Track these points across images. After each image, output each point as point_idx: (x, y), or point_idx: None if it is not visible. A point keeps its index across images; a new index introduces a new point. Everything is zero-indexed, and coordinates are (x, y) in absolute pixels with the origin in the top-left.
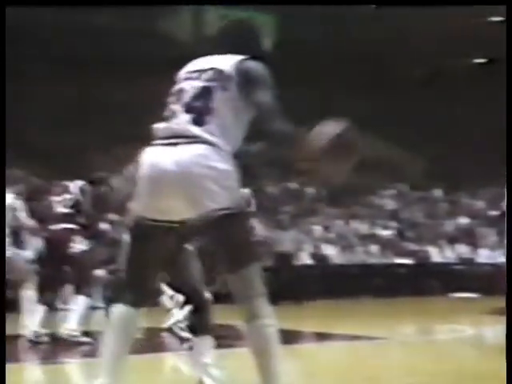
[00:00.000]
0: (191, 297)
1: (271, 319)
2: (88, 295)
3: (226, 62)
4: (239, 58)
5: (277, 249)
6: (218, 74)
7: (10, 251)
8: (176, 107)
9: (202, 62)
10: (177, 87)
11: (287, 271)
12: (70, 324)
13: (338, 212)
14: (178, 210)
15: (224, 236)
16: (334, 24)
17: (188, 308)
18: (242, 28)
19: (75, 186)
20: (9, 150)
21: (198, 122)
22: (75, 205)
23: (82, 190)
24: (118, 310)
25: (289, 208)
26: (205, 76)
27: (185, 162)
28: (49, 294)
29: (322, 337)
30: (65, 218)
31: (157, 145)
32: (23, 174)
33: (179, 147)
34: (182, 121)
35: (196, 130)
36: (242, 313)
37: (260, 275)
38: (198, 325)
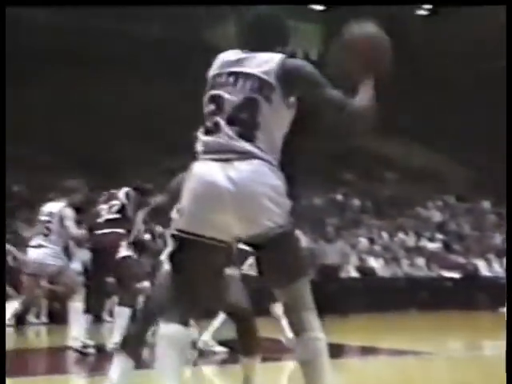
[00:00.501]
0: (234, 318)
1: (320, 333)
2: (132, 307)
3: (266, 68)
4: (275, 60)
5: (322, 261)
6: (261, 84)
7: (60, 261)
8: (218, 119)
9: (233, 59)
10: (213, 92)
11: (333, 284)
12: (116, 337)
13: (384, 224)
14: (230, 228)
15: (275, 253)
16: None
17: (217, 322)
18: (271, 21)
19: (122, 192)
20: (63, 160)
21: (246, 136)
22: (121, 210)
23: (127, 196)
24: (170, 329)
25: (334, 220)
26: (246, 85)
27: (240, 179)
28: (95, 305)
29: (367, 351)
30: (111, 223)
31: (207, 159)
32: (78, 184)
33: (233, 163)
34: (228, 135)
35: (246, 146)
36: (291, 327)
37: (308, 289)
38: (244, 345)
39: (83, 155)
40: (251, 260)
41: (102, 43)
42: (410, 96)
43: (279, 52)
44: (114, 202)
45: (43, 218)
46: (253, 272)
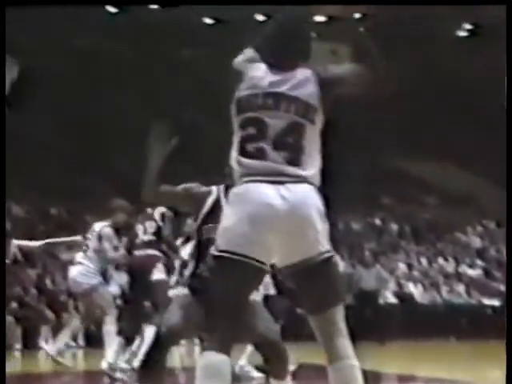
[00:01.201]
0: (260, 346)
1: (355, 360)
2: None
3: (308, 90)
4: (312, 79)
5: (360, 286)
6: (306, 108)
7: (92, 279)
8: (263, 144)
9: (267, 79)
10: (252, 115)
11: (370, 309)
12: (140, 355)
13: (423, 249)
14: (281, 251)
15: (316, 279)
16: (422, 49)
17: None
18: (294, 34)
19: (157, 212)
20: (101, 182)
21: (293, 162)
22: (157, 231)
23: (162, 217)
24: (211, 358)
25: (372, 244)
26: (290, 109)
27: (295, 200)
28: (130, 329)
29: (404, 379)
30: (147, 245)
31: (257, 181)
32: (121, 204)
33: (286, 185)
34: (275, 161)
35: (295, 171)
36: (325, 353)
37: (343, 315)
38: (274, 371)
39: (120, 175)
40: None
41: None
42: (450, 120)
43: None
44: (150, 224)
45: (87, 235)
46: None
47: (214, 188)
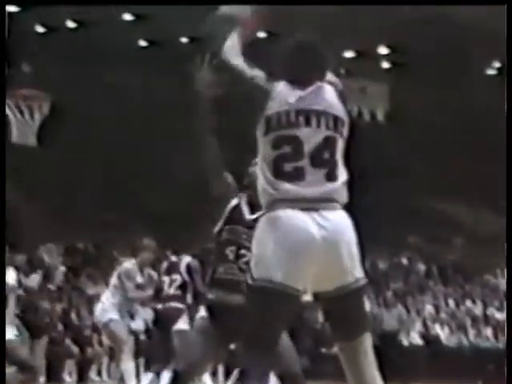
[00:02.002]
0: (282, 378)
1: None
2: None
3: (333, 103)
4: (333, 93)
5: (380, 327)
6: (335, 121)
7: (109, 314)
8: (301, 163)
9: (294, 96)
10: (285, 133)
11: (392, 350)
12: None
13: (450, 290)
14: (317, 280)
15: (347, 306)
16: (450, 87)
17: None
18: (309, 52)
19: (183, 265)
20: (133, 217)
21: (331, 177)
22: (183, 285)
23: (188, 270)
24: None
25: (399, 284)
26: (321, 124)
27: (331, 229)
28: (156, 364)
29: None
30: (172, 298)
31: (293, 208)
32: (148, 243)
33: (320, 212)
34: (315, 179)
35: (331, 191)
36: (354, 382)
37: (371, 344)
38: None
39: (149, 212)
40: None
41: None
42: (478, 160)
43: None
44: (176, 277)
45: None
46: None
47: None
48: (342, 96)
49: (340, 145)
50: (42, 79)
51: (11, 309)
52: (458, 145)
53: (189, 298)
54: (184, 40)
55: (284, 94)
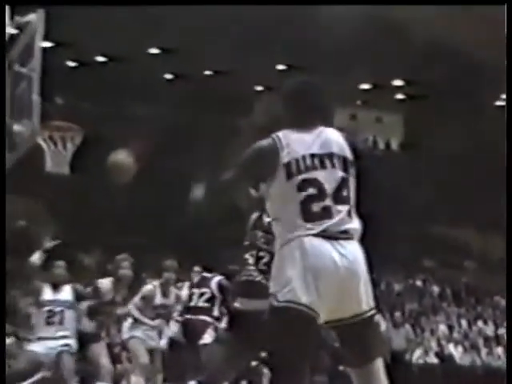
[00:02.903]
0: None
1: None
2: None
3: (343, 147)
4: (341, 138)
5: (390, 346)
6: (346, 163)
7: (129, 334)
8: (327, 202)
9: (307, 142)
10: (307, 177)
11: (400, 369)
12: None
13: (463, 311)
14: (336, 308)
15: (361, 333)
16: (461, 118)
17: None
18: (313, 89)
19: (214, 282)
20: (150, 240)
21: (350, 214)
22: (211, 299)
23: (219, 287)
24: None
25: (413, 305)
26: (335, 165)
27: (351, 258)
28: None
29: None
30: (200, 310)
31: (316, 235)
32: (171, 264)
33: (340, 242)
34: (340, 214)
35: (351, 226)
36: None
37: (383, 369)
38: None
39: (172, 235)
40: None
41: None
42: (488, 187)
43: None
44: (205, 290)
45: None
46: None
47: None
48: (348, 138)
49: (352, 185)
50: (74, 111)
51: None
52: (469, 173)
53: (215, 311)
54: (208, 73)
55: (293, 141)
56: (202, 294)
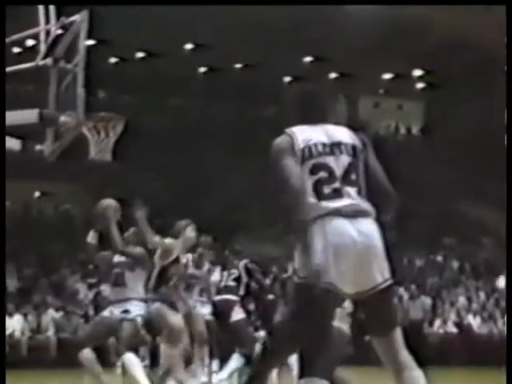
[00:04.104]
0: None
1: (418, 370)
2: (244, 355)
3: (351, 135)
4: (347, 130)
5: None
6: (354, 150)
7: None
8: (337, 184)
9: (318, 132)
10: (318, 161)
11: (416, 338)
12: (221, 374)
13: (481, 284)
14: (355, 281)
15: (381, 304)
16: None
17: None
18: (311, 101)
19: (242, 264)
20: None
21: (360, 194)
22: (238, 279)
23: (246, 269)
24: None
25: (435, 279)
26: (345, 150)
27: (368, 234)
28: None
29: None
30: (227, 289)
31: (336, 216)
32: (207, 239)
33: (358, 220)
34: (350, 194)
35: (366, 205)
36: (391, 368)
37: (401, 335)
38: None
39: (206, 218)
40: None
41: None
42: (503, 167)
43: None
44: (234, 271)
45: None
46: None
47: None
48: (355, 131)
49: (361, 168)
50: (115, 103)
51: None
52: (485, 155)
53: (241, 291)
54: (238, 65)
55: (305, 132)
56: (230, 275)
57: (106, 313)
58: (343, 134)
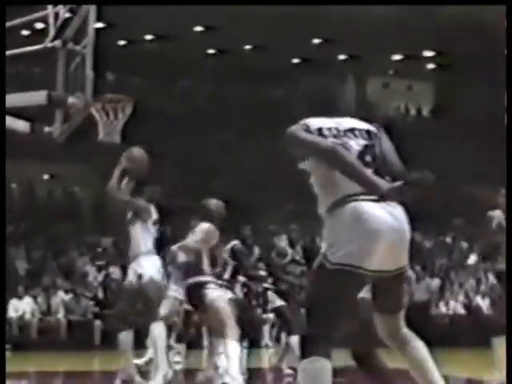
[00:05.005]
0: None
1: (419, 341)
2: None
3: (362, 122)
4: (365, 124)
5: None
6: (368, 134)
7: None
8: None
9: (330, 122)
10: (335, 141)
11: (422, 320)
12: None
13: (489, 266)
14: (383, 261)
15: (396, 285)
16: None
17: None
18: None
19: (228, 247)
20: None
21: (378, 175)
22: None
23: (233, 252)
24: (316, 363)
25: (443, 260)
26: (358, 135)
27: (399, 218)
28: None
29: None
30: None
31: (364, 200)
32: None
33: (388, 203)
34: None
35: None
36: (394, 343)
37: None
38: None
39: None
40: None
41: (230, 105)
42: None
43: None
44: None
45: None
46: None
47: None
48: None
49: (378, 150)
50: (124, 85)
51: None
52: (495, 136)
53: (227, 274)
54: (247, 47)
55: (318, 121)
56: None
57: (129, 278)
58: (356, 122)
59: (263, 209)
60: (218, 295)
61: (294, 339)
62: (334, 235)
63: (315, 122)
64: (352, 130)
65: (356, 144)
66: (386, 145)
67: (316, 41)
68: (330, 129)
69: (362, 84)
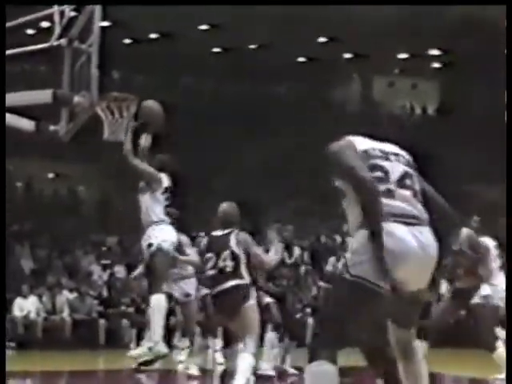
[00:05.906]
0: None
1: (423, 359)
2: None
3: (403, 152)
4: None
5: None
6: (409, 163)
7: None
8: (390, 185)
9: (374, 143)
10: (375, 162)
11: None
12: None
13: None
14: (401, 283)
15: (411, 305)
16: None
17: None
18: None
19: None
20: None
21: (415, 199)
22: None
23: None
24: (322, 367)
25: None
26: (401, 160)
27: (425, 243)
28: None
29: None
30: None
31: (396, 222)
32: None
33: (416, 227)
34: (403, 197)
35: (421, 209)
36: (400, 354)
37: None
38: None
39: (216, 195)
40: None
41: (236, 102)
42: None
43: None
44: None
45: None
46: None
47: None
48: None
49: (416, 179)
50: (129, 84)
51: None
52: (501, 135)
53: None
54: (252, 46)
55: (363, 140)
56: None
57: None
58: (398, 149)
59: (264, 208)
60: (254, 303)
61: (271, 336)
62: (358, 250)
63: (360, 141)
64: (396, 155)
65: (398, 167)
66: (426, 184)
67: (321, 39)
68: (373, 149)
69: (368, 83)
